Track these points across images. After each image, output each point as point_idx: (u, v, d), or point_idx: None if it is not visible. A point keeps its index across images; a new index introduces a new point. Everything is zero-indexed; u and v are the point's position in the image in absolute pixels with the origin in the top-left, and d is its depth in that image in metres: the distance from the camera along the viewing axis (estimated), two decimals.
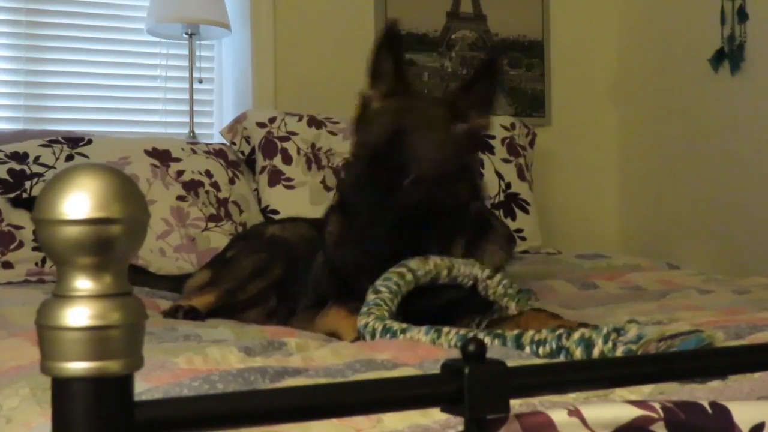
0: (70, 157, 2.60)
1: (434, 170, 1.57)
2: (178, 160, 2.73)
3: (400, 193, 1.53)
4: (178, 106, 3.32)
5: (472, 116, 1.65)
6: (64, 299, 0.59)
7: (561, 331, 1.24)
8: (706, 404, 0.85)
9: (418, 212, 1.55)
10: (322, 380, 1.05)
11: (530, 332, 1.26)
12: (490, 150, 3.11)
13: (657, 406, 0.83)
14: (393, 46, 1.68)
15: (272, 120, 2.94)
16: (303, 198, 2.81)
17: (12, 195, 2.48)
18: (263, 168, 2.86)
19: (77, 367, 0.58)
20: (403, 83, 1.68)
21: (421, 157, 1.56)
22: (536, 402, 0.89)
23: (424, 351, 1.23)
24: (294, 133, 2.91)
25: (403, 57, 1.76)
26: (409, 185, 1.54)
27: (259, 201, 2.86)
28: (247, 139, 2.95)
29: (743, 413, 0.85)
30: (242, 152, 2.95)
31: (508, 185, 3.07)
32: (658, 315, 1.58)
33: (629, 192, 3.82)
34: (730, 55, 3.28)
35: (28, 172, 2.54)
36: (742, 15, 3.25)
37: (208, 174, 2.75)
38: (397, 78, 1.67)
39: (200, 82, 3.18)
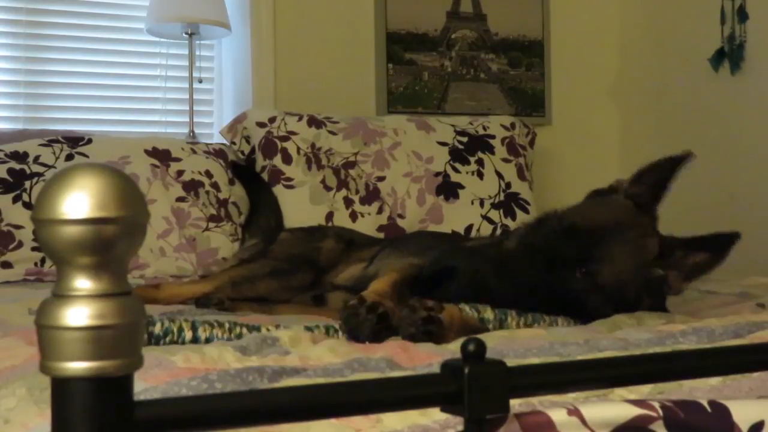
0: (70, 157, 2.60)
1: (612, 283, 1.59)
2: (178, 159, 2.73)
3: (569, 278, 1.57)
4: (178, 106, 3.32)
5: (673, 275, 1.69)
6: (63, 299, 0.59)
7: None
8: (705, 403, 0.85)
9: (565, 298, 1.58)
10: (321, 380, 1.05)
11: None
12: (490, 150, 3.11)
13: (656, 405, 0.83)
14: (673, 170, 1.75)
15: (272, 120, 2.93)
16: (303, 198, 2.80)
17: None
18: (263, 168, 2.86)
19: (77, 367, 0.58)
20: (653, 200, 1.75)
21: (607, 265, 1.59)
22: (536, 402, 0.89)
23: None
24: (294, 133, 2.90)
25: (672, 181, 1.79)
26: (581, 277, 1.57)
27: None
28: (247, 139, 2.94)
29: (743, 412, 0.85)
30: (242, 152, 2.95)
31: (508, 185, 3.06)
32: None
33: None
34: (730, 55, 3.28)
35: (28, 171, 2.54)
36: (742, 14, 3.25)
37: (208, 174, 2.75)
38: (652, 193, 1.75)
39: (200, 81, 3.18)
